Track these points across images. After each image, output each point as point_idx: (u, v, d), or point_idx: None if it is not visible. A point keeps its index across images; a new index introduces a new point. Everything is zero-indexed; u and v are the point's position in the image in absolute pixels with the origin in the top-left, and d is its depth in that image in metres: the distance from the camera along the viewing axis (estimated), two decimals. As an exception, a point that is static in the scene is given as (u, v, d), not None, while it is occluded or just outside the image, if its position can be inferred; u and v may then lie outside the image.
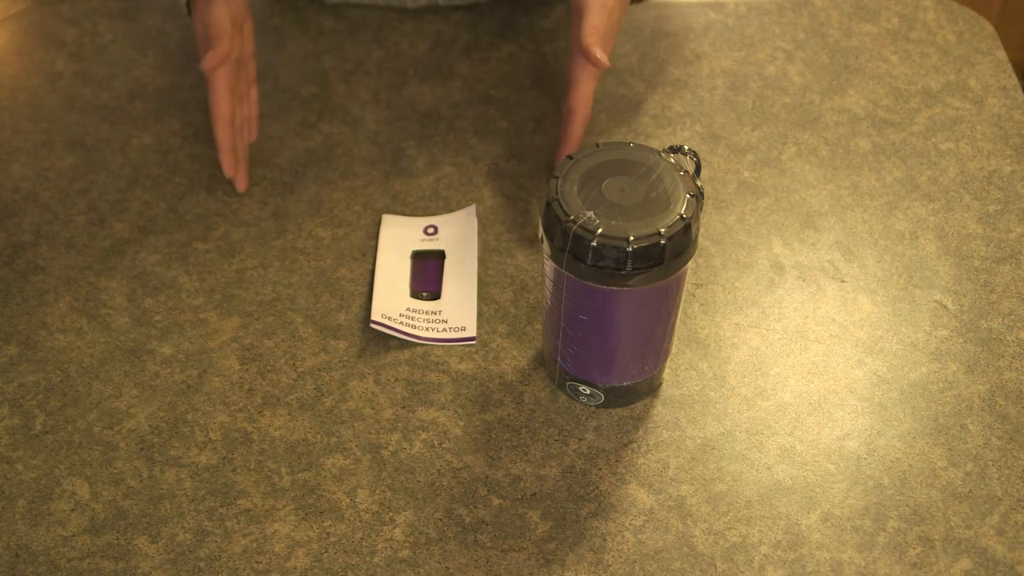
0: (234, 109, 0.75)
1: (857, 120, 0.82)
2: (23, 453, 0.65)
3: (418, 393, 0.67)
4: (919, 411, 0.66)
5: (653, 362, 0.64)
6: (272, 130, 0.82)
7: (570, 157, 0.60)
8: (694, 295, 0.72)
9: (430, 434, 0.65)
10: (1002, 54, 0.87)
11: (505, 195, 0.78)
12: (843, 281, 0.73)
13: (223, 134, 0.74)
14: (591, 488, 0.63)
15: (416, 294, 0.72)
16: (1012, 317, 0.71)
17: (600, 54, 0.71)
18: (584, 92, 0.74)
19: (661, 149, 0.62)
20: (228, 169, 0.75)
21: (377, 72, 0.86)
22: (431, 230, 0.75)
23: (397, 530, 0.61)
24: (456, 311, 0.71)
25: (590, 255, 0.56)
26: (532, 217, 0.77)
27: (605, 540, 0.61)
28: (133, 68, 0.87)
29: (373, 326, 0.69)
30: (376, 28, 0.89)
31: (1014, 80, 0.85)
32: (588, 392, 0.65)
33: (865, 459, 0.64)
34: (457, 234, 0.75)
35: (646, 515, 0.62)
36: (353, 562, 0.60)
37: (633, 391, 0.66)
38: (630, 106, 0.83)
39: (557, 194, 0.58)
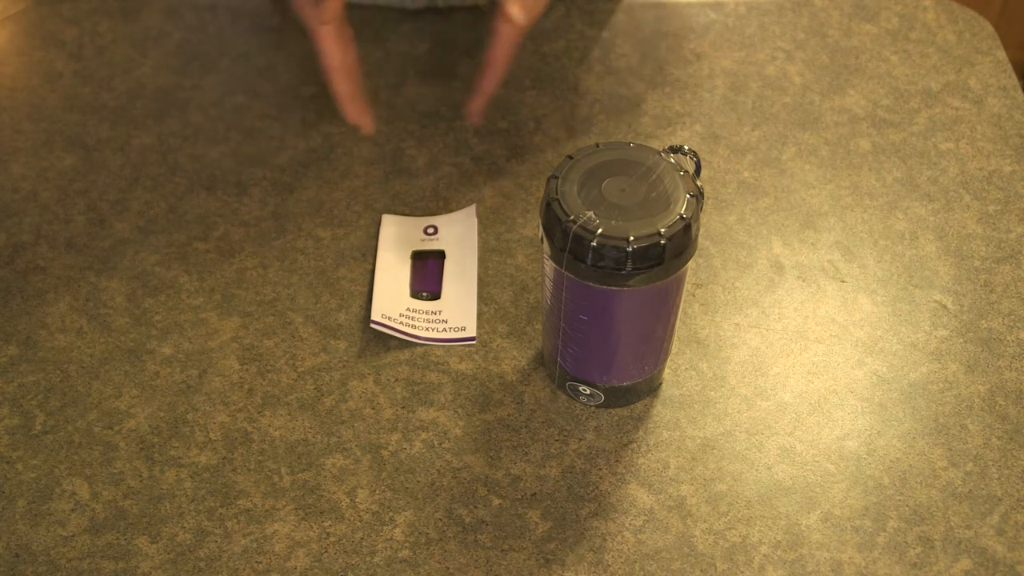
0: (346, 56, 0.72)
1: (857, 120, 0.82)
2: (23, 453, 0.65)
3: (418, 393, 0.67)
4: (919, 411, 0.66)
5: (653, 362, 0.64)
6: (272, 130, 0.82)
7: (570, 157, 0.60)
8: (694, 295, 0.72)
9: (430, 434, 0.65)
10: (1002, 54, 0.87)
11: (505, 195, 0.78)
12: (843, 281, 0.73)
13: (342, 84, 0.72)
14: (591, 488, 0.63)
15: (416, 294, 0.72)
16: (1012, 317, 0.71)
17: (513, 9, 0.71)
18: (500, 45, 0.73)
19: (661, 149, 0.62)
20: (352, 116, 0.74)
21: (377, 72, 0.86)
22: (431, 230, 0.75)
23: (397, 530, 0.61)
24: (456, 311, 0.71)
25: (590, 255, 0.56)
26: (532, 217, 0.77)
27: (605, 540, 0.61)
28: (133, 68, 0.87)
29: (373, 326, 0.69)
30: (376, 28, 0.90)
31: (1014, 80, 0.85)
32: (588, 392, 0.65)
33: (865, 459, 0.64)
34: (457, 234, 0.75)
35: (646, 515, 0.62)
36: (353, 562, 0.60)
37: (633, 391, 0.66)
38: (630, 106, 0.83)
39: (557, 194, 0.58)
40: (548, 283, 0.61)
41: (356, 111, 0.74)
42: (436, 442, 0.65)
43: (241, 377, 0.68)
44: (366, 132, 0.76)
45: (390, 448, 0.65)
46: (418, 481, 0.63)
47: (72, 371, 0.69)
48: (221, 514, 0.62)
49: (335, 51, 0.71)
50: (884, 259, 0.74)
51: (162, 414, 0.66)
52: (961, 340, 0.70)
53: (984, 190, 0.78)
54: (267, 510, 0.62)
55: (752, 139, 0.81)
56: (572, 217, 0.57)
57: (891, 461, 0.64)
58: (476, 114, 0.78)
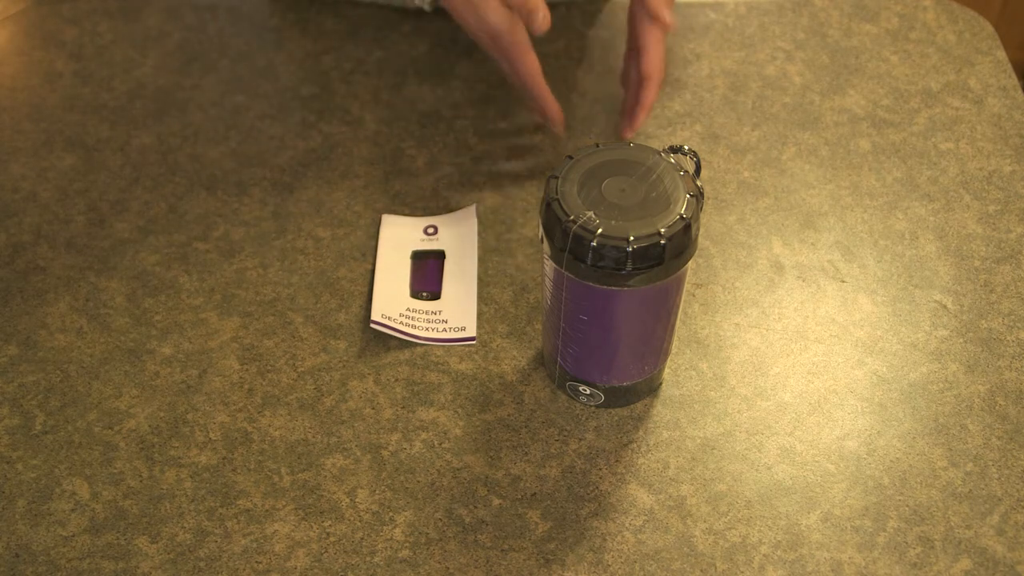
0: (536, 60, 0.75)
1: (857, 120, 0.82)
2: (23, 453, 0.65)
3: (418, 393, 0.67)
4: (919, 411, 0.66)
5: (653, 362, 0.64)
6: (272, 130, 0.82)
7: (570, 157, 0.60)
8: (694, 295, 0.72)
9: (430, 434, 0.65)
10: (1002, 54, 0.87)
11: (505, 195, 0.78)
12: (843, 281, 0.73)
13: (543, 85, 0.74)
14: (591, 488, 0.63)
15: (416, 294, 0.72)
16: (1012, 317, 0.71)
17: (668, 14, 0.72)
18: (656, 55, 0.74)
19: (661, 149, 0.62)
20: (554, 113, 0.76)
21: (377, 72, 0.86)
22: (431, 230, 0.75)
23: (397, 530, 0.61)
24: (456, 311, 0.71)
25: (590, 255, 0.56)
26: (532, 217, 0.77)
27: (605, 540, 0.61)
28: (133, 68, 0.87)
29: (373, 326, 0.69)
30: (376, 28, 0.90)
31: (1014, 80, 0.85)
32: (588, 392, 0.65)
33: (865, 459, 0.64)
34: (457, 234, 0.75)
35: (646, 515, 0.62)
36: (353, 562, 0.60)
37: (633, 391, 0.66)
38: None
39: (557, 194, 0.58)
40: (548, 283, 0.61)
41: (556, 107, 0.76)
42: (436, 442, 0.65)
43: (241, 377, 0.68)
44: (561, 126, 0.77)
45: (390, 448, 0.65)
46: (418, 481, 0.63)
47: (72, 371, 0.69)
48: (221, 514, 0.62)
49: (532, 54, 0.73)
50: (884, 259, 0.74)
51: (162, 414, 0.66)
52: (961, 340, 0.70)
53: (984, 190, 0.78)
54: (267, 510, 0.62)
55: (752, 139, 0.81)
56: (572, 217, 0.57)
57: (891, 461, 0.64)
58: (635, 130, 0.78)
